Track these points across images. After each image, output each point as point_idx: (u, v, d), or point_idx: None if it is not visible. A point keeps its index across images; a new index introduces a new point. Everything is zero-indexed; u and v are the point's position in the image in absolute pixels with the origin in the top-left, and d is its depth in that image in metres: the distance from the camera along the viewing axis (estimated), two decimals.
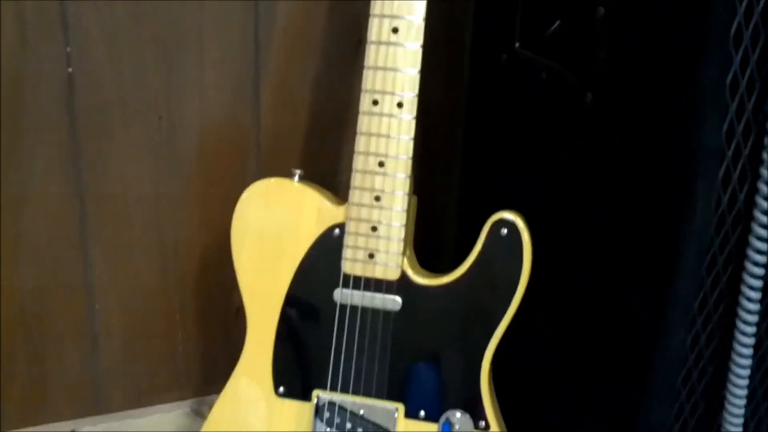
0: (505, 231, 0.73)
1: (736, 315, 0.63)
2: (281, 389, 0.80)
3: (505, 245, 0.73)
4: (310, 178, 0.78)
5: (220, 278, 0.97)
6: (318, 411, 0.79)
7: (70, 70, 0.85)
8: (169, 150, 0.91)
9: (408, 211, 0.75)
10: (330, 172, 0.95)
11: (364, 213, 0.75)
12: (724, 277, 0.64)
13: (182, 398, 1.00)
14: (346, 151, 0.95)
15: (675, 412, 0.68)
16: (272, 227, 0.78)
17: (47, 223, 0.89)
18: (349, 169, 0.79)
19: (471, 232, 0.76)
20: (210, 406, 1.00)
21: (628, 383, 0.70)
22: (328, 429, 0.79)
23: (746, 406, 0.65)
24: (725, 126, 0.63)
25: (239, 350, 0.81)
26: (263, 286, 0.79)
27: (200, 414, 1.00)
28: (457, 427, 0.76)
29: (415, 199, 0.79)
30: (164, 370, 0.99)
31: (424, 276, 0.76)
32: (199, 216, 0.94)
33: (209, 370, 1.00)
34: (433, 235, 0.95)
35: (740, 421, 0.65)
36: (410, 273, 0.76)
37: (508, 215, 0.73)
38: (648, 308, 0.68)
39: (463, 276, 0.75)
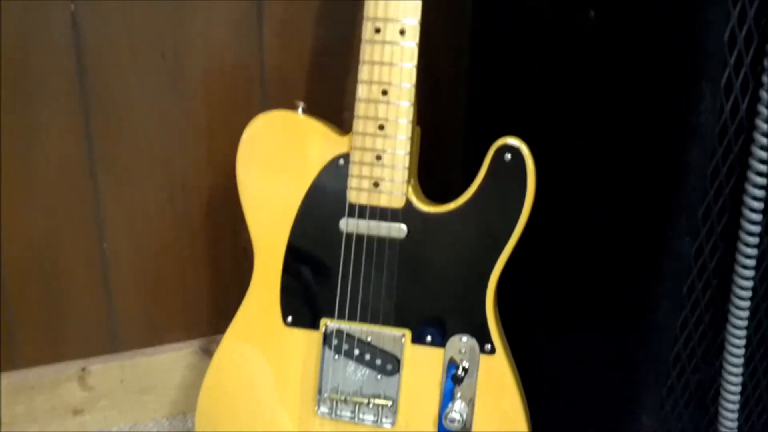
0: (509, 156, 0.74)
1: (739, 226, 0.64)
2: (289, 319, 0.81)
3: (509, 170, 0.74)
4: (313, 114, 0.79)
5: (227, 216, 0.98)
6: (326, 339, 0.80)
7: (72, 7, 0.85)
8: (175, 87, 0.91)
9: (412, 139, 0.76)
10: (334, 109, 0.96)
11: (368, 142, 0.76)
12: (727, 188, 0.64)
13: (192, 337, 1.02)
14: (349, 89, 0.96)
15: (680, 322, 0.69)
16: (277, 159, 0.78)
17: (56, 162, 0.89)
18: (352, 106, 0.80)
19: (476, 163, 0.77)
20: (213, 355, 1.02)
21: (634, 296, 0.72)
22: (336, 356, 0.80)
23: (749, 319, 0.66)
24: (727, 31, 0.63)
25: (247, 289, 0.83)
26: (269, 217, 0.79)
27: (209, 352, 1.02)
28: (463, 351, 0.78)
29: (418, 129, 0.79)
30: (174, 309, 1.00)
31: (428, 204, 0.77)
32: (205, 153, 0.95)
33: (218, 310, 1.02)
34: (439, 168, 0.96)
35: (743, 333, 0.66)
36: (415, 201, 0.76)
37: (511, 141, 0.74)
38: (653, 219, 0.69)
39: (467, 202, 0.76)
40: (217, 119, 0.94)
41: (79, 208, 0.92)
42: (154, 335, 1.00)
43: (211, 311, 1.02)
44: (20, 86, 0.86)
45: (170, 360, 1.00)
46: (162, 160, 0.93)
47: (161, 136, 0.92)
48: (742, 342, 0.67)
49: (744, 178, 0.64)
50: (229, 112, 0.93)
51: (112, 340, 0.98)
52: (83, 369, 0.96)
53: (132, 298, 0.98)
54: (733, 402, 0.70)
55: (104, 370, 0.97)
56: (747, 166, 0.63)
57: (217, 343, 1.01)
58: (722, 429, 0.71)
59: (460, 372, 0.78)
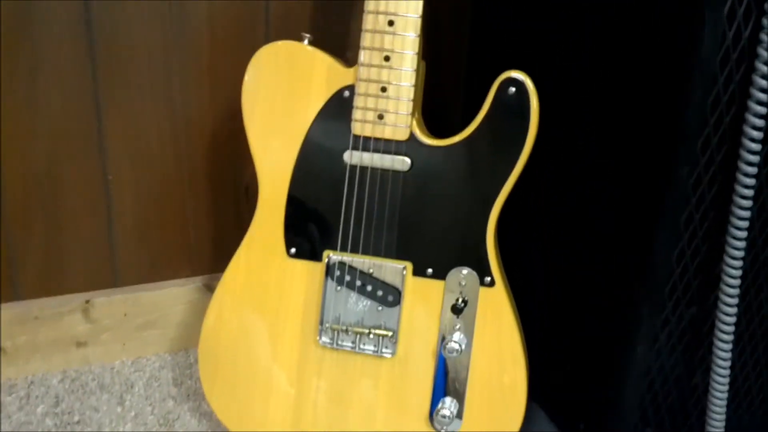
0: (513, 90, 0.74)
1: (738, 156, 0.64)
2: (292, 251, 0.82)
3: (513, 104, 0.74)
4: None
5: (230, 154, 0.99)
6: (329, 271, 0.81)
7: None
8: (180, 20, 0.91)
9: (417, 72, 0.76)
10: (338, 47, 0.96)
11: (374, 74, 0.76)
12: (728, 117, 0.65)
13: (194, 274, 1.03)
14: (354, 28, 0.96)
15: (676, 254, 0.70)
16: (282, 90, 0.79)
17: (60, 92, 0.90)
18: (356, 46, 0.80)
19: (479, 99, 0.78)
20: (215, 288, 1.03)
21: (632, 226, 0.73)
22: (338, 287, 0.81)
23: (746, 251, 0.67)
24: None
25: (251, 222, 0.84)
26: (274, 149, 0.80)
27: (211, 289, 1.03)
28: (463, 283, 0.79)
29: (423, 63, 0.80)
30: (176, 245, 1.01)
31: (432, 138, 0.78)
32: (209, 88, 0.95)
33: (220, 247, 1.03)
34: (442, 104, 0.96)
35: (740, 264, 0.67)
36: (419, 134, 0.77)
37: (516, 74, 0.74)
38: (652, 149, 0.70)
39: (470, 135, 0.76)
40: (221, 54, 0.94)
41: (83, 139, 0.92)
42: (155, 272, 1.01)
43: (212, 249, 1.03)
44: (25, 15, 0.85)
45: (173, 295, 1.01)
46: (166, 94, 0.93)
47: (165, 70, 0.92)
48: (738, 273, 0.68)
49: (744, 108, 0.64)
50: (233, 47, 0.93)
51: (114, 275, 0.99)
52: (87, 302, 0.97)
53: (134, 233, 0.98)
54: (727, 333, 0.71)
55: (108, 303, 0.98)
56: (747, 96, 0.64)
57: (219, 280, 1.04)
58: (716, 361, 0.72)
59: (459, 303, 0.79)
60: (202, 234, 1.02)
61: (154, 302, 1.01)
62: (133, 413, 0.94)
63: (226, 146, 0.98)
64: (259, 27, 0.94)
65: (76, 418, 0.93)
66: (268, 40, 0.94)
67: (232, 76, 0.94)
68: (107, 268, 0.98)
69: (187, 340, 1.04)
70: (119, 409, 0.94)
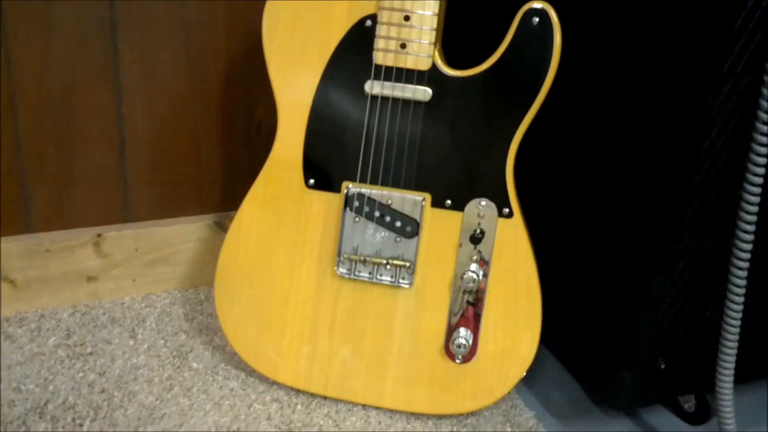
0: (536, 20, 0.74)
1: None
2: (311, 182, 0.82)
3: (537, 33, 0.74)
4: None
5: (244, 90, 0.99)
6: (347, 201, 0.82)
7: None
8: None
9: (440, 1, 0.76)
10: None
11: (397, 2, 0.76)
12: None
13: (205, 212, 1.03)
14: None
15: (695, 184, 0.71)
16: (303, 20, 0.78)
17: (77, 20, 0.88)
18: None
19: (497, 30, 0.78)
20: (231, 220, 1.04)
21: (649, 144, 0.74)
22: (356, 218, 0.82)
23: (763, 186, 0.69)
24: None
25: (261, 166, 0.84)
26: (294, 79, 0.80)
27: (222, 227, 1.03)
28: (481, 214, 0.80)
29: None
30: (187, 182, 1.01)
31: (453, 68, 0.78)
32: (224, 20, 0.94)
33: (231, 185, 1.03)
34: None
35: (758, 191, 0.69)
36: (440, 64, 0.77)
37: (539, 4, 0.74)
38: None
39: (493, 66, 0.76)
40: None
41: (98, 68, 0.91)
42: (166, 208, 1.01)
43: (223, 187, 1.03)
44: None
45: (184, 232, 1.01)
46: (182, 30, 0.92)
47: (182, 5, 0.91)
48: (757, 200, 0.69)
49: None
50: None
51: (126, 210, 0.99)
52: (99, 235, 0.97)
53: (146, 168, 0.98)
54: (743, 260, 0.72)
55: (119, 237, 0.98)
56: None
57: (230, 218, 1.03)
58: (731, 287, 0.74)
59: (478, 233, 0.80)
60: (214, 171, 1.01)
61: (165, 238, 1.01)
62: (146, 345, 0.94)
63: (240, 83, 0.97)
64: None
65: (88, 350, 0.93)
66: None
67: (248, 11, 0.94)
68: (119, 202, 0.98)
69: (198, 278, 1.04)
70: (131, 342, 0.95)
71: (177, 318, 1.00)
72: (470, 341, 0.82)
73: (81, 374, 0.89)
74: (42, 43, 0.88)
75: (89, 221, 0.98)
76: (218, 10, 0.93)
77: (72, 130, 0.93)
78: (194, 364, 0.93)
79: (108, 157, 0.95)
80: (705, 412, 0.91)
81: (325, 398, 0.89)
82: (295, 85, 0.80)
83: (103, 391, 0.87)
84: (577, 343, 0.89)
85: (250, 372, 0.92)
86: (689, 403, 0.92)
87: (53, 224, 0.96)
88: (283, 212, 0.84)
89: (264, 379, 0.90)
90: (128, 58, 0.92)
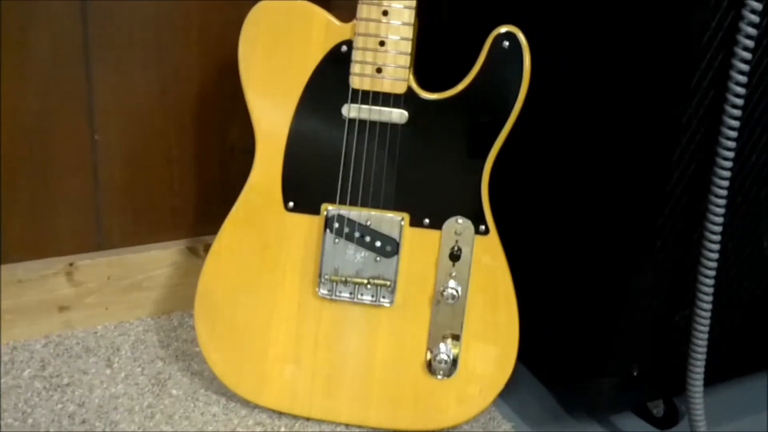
0: (507, 43, 0.77)
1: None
2: (291, 204, 0.83)
3: (508, 56, 0.77)
4: None
5: (216, 114, 0.99)
6: (327, 223, 0.83)
7: None
8: None
9: (414, 26, 0.79)
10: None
11: (372, 28, 0.78)
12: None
13: (178, 237, 1.03)
14: None
15: (663, 196, 0.75)
16: (280, 45, 0.80)
17: (51, 44, 0.88)
18: (340, 6, 0.82)
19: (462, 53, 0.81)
20: (205, 245, 1.04)
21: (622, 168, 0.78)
22: (336, 240, 0.83)
23: (726, 198, 0.73)
24: None
25: (234, 190, 0.84)
26: (272, 103, 0.81)
27: (195, 252, 1.03)
28: (459, 232, 0.82)
29: (416, 19, 0.82)
30: (161, 207, 1.01)
31: (427, 91, 0.80)
32: (197, 43, 0.95)
33: (204, 210, 1.03)
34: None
35: (723, 202, 0.73)
36: (415, 87, 0.79)
37: (508, 29, 0.77)
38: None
39: (466, 88, 0.79)
40: (209, 10, 0.93)
41: (72, 95, 0.91)
42: (139, 234, 1.01)
43: (197, 211, 1.03)
44: None
45: (157, 258, 1.01)
46: (156, 51, 0.93)
47: (156, 26, 0.92)
48: (722, 212, 0.73)
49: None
50: (222, 5, 0.93)
51: (99, 238, 0.98)
52: (71, 264, 0.96)
53: (120, 194, 0.98)
54: (711, 269, 0.76)
55: (92, 265, 0.97)
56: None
57: (203, 243, 1.05)
58: (699, 296, 0.78)
59: (456, 251, 0.82)
60: (187, 195, 1.02)
61: (138, 264, 1.00)
62: (123, 374, 0.94)
63: (214, 106, 0.98)
64: None
65: (65, 381, 0.92)
66: None
67: (220, 34, 0.95)
68: (92, 229, 0.97)
69: (171, 303, 1.04)
70: (108, 371, 0.94)
71: (152, 345, 1.00)
72: (451, 356, 0.84)
73: (60, 405, 0.88)
74: (16, 73, 0.88)
75: (62, 249, 0.97)
76: (192, 34, 0.94)
77: (45, 157, 0.92)
78: (174, 391, 0.93)
79: (81, 184, 0.95)
80: (673, 415, 0.95)
81: (309, 420, 0.90)
82: (272, 110, 0.81)
83: (84, 422, 0.87)
84: (550, 352, 0.92)
85: (231, 396, 0.92)
86: (658, 408, 0.95)
87: (26, 254, 0.95)
88: (263, 235, 0.85)
89: (245, 403, 0.91)
90: (102, 83, 0.92)
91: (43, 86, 0.90)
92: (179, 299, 1.05)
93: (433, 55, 0.91)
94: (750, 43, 0.68)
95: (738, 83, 0.69)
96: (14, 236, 0.94)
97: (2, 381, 0.91)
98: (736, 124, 0.70)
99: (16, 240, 0.94)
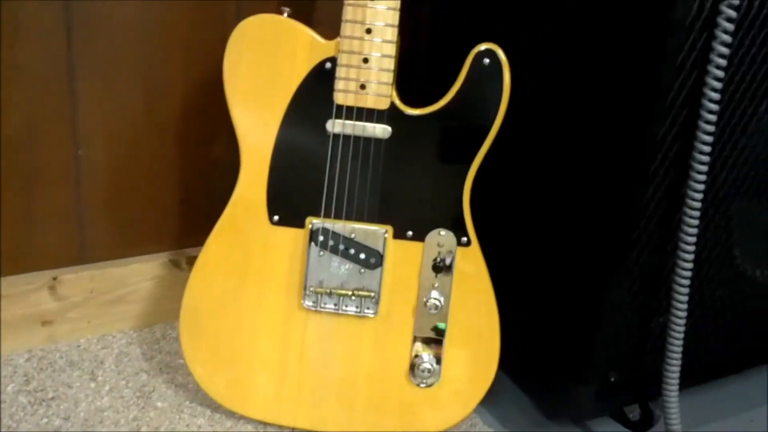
0: (487, 61, 0.80)
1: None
2: (276, 218, 0.85)
3: (488, 73, 0.80)
4: None
5: (199, 129, 1.00)
6: (312, 236, 0.84)
7: None
8: None
9: (396, 44, 0.81)
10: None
11: (356, 45, 0.80)
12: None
13: (161, 250, 1.04)
14: (320, 4, 0.99)
15: (639, 208, 0.78)
16: (264, 62, 0.81)
17: (36, 59, 0.88)
18: (322, 23, 0.83)
19: (442, 70, 0.83)
20: (188, 258, 1.05)
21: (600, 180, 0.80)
22: (321, 252, 0.85)
23: (701, 210, 0.76)
24: None
25: (217, 203, 0.86)
26: (257, 119, 0.82)
27: (177, 265, 1.04)
28: (441, 243, 0.84)
29: (399, 36, 0.84)
30: (144, 220, 1.01)
31: (410, 107, 0.82)
32: (182, 59, 0.96)
33: (187, 223, 1.04)
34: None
35: (697, 214, 0.75)
36: (398, 103, 0.81)
37: (489, 46, 0.79)
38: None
39: (447, 104, 0.81)
40: (193, 28, 0.94)
41: (56, 110, 0.91)
42: (122, 247, 1.01)
43: (179, 225, 1.04)
44: None
45: (140, 270, 1.01)
46: (141, 65, 0.93)
47: (141, 41, 0.93)
48: (696, 223, 0.76)
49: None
50: (206, 21, 0.94)
51: (82, 250, 0.99)
52: (54, 278, 0.96)
53: (103, 208, 0.98)
54: (684, 278, 0.79)
55: (75, 279, 0.98)
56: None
57: (186, 256, 1.05)
58: (674, 304, 0.80)
59: (438, 262, 0.84)
60: (170, 209, 1.02)
61: (121, 278, 1.01)
62: (107, 387, 0.94)
63: (197, 120, 0.99)
64: (230, 2, 0.96)
65: (50, 395, 0.92)
66: (239, 14, 0.96)
67: (205, 50, 0.96)
68: (75, 243, 0.98)
69: (154, 316, 1.04)
70: (93, 385, 0.94)
71: (136, 358, 1.00)
72: (434, 365, 0.86)
73: (45, 420, 0.88)
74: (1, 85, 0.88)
75: (46, 263, 0.97)
76: (176, 50, 0.95)
77: (29, 171, 0.92)
78: (159, 404, 0.93)
79: (64, 197, 0.95)
80: (649, 419, 0.97)
81: (294, 430, 0.91)
82: (257, 125, 0.83)
83: None
84: (530, 361, 0.94)
85: (216, 408, 0.93)
86: (634, 412, 0.98)
87: (9, 267, 0.95)
88: (248, 248, 0.86)
89: (230, 414, 0.92)
90: (86, 98, 0.92)
91: (28, 101, 0.90)
92: (162, 312, 1.05)
93: (415, 70, 0.93)
94: (723, 62, 0.71)
95: (711, 100, 0.72)
96: None
97: None
98: (709, 139, 0.73)
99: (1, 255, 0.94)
